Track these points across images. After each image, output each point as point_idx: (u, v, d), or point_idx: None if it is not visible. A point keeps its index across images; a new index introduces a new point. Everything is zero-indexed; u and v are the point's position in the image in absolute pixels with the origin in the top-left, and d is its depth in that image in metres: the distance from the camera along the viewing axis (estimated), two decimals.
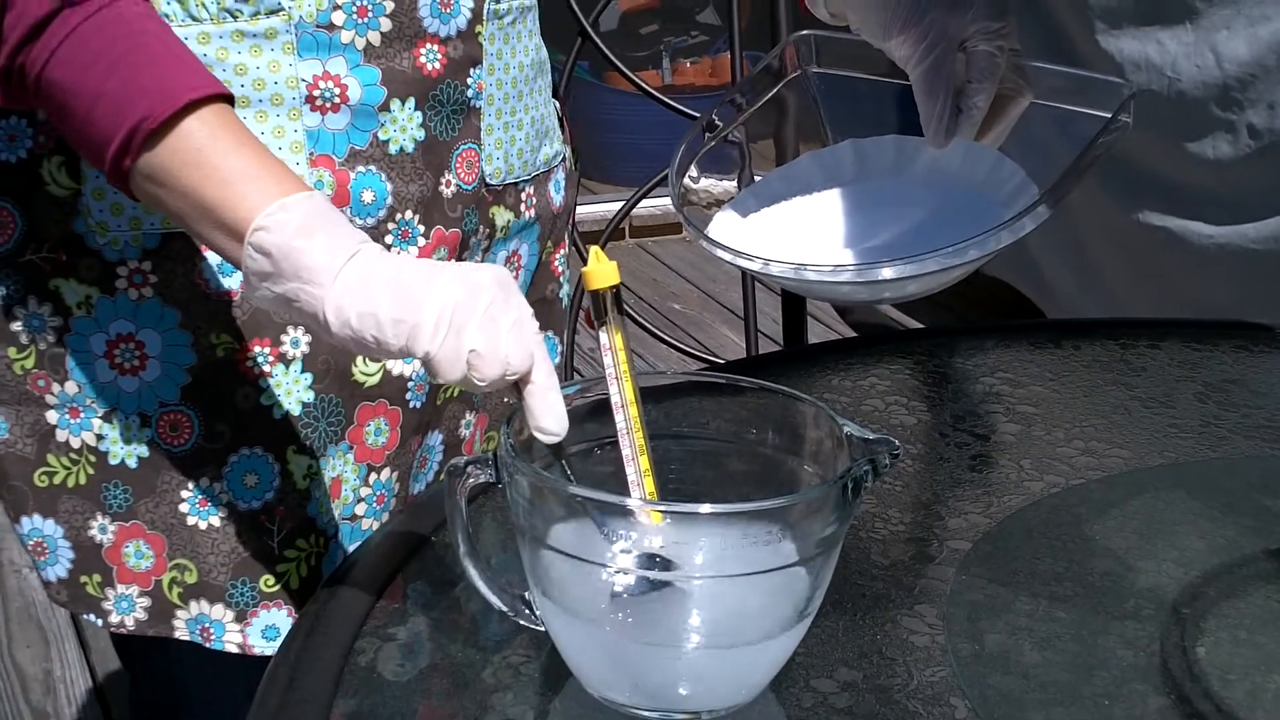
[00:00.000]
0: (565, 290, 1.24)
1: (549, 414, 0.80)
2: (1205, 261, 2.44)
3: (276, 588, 1.05)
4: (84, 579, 1.05)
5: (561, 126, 1.21)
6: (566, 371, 2.10)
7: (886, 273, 0.95)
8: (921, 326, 2.13)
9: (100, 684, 2.31)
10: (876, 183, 1.08)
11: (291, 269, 0.81)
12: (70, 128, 0.88)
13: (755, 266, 0.97)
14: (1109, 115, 0.97)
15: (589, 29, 1.99)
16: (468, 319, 0.79)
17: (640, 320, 2.28)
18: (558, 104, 1.21)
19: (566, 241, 1.24)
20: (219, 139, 0.84)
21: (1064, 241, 2.82)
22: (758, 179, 1.11)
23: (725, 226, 1.07)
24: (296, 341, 1.01)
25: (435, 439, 1.12)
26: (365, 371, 1.04)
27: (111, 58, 0.85)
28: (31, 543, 1.05)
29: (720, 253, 0.98)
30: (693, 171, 1.08)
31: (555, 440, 0.80)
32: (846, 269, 0.98)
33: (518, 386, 0.81)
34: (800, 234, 1.06)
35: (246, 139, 0.86)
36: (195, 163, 0.84)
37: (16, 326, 1.01)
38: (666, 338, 2.36)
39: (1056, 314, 2.81)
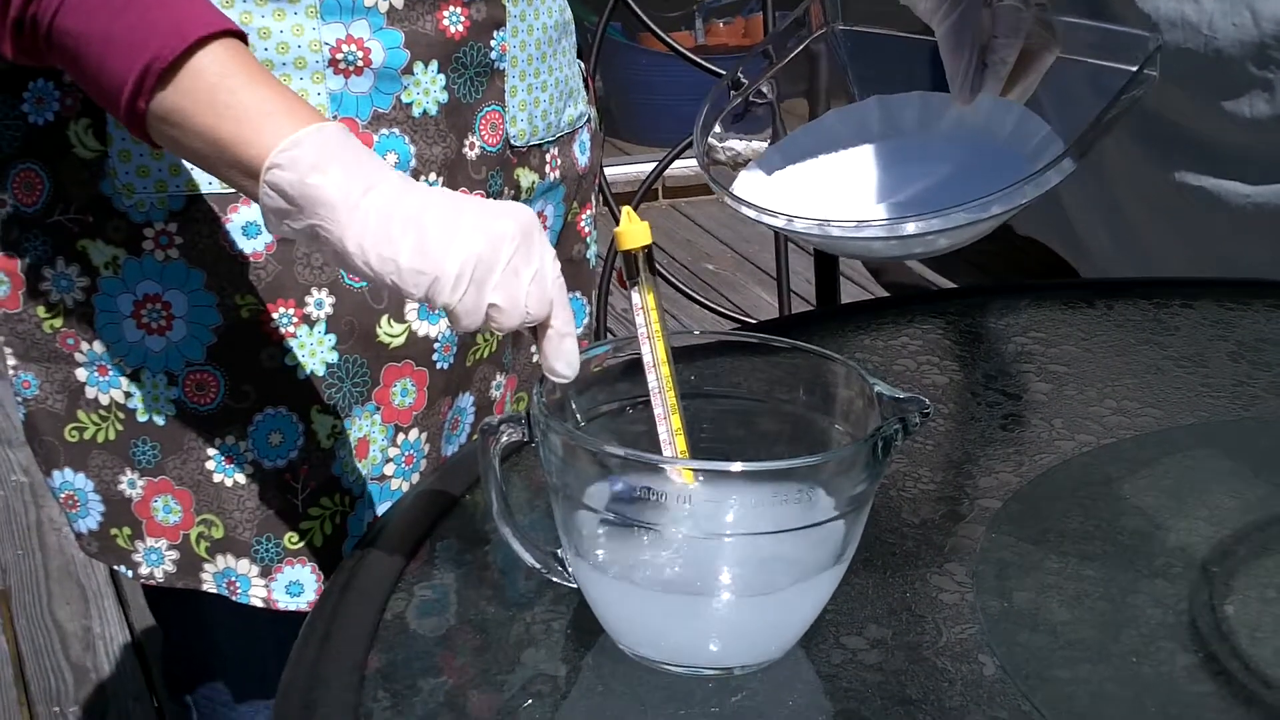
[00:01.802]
0: (593, 251, 1.24)
1: (561, 358, 0.81)
2: (1241, 220, 2.42)
3: (300, 545, 1.06)
4: (114, 531, 1.07)
5: (586, 88, 1.21)
6: (599, 331, 2.11)
7: (910, 227, 0.95)
8: (954, 286, 2.12)
9: (138, 640, 2.34)
10: (902, 139, 1.08)
11: (309, 205, 0.81)
12: (85, 77, 0.88)
13: (779, 223, 0.97)
14: (1135, 69, 0.97)
15: None
16: (489, 273, 0.79)
17: (673, 281, 2.29)
18: (582, 65, 1.21)
19: (593, 202, 1.24)
20: (231, 75, 0.84)
21: (1099, 201, 2.81)
22: (783, 137, 1.11)
23: (751, 184, 1.07)
24: (320, 303, 1.02)
25: (467, 401, 1.13)
26: (390, 333, 1.05)
27: (120, 1, 0.85)
28: (63, 495, 1.07)
29: (744, 210, 0.98)
30: (718, 130, 1.08)
31: (564, 382, 0.81)
32: (870, 224, 0.98)
33: (535, 330, 0.82)
34: (825, 191, 1.06)
35: (260, 74, 0.85)
36: (209, 101, 0.83)
37: (45, 286, 1.02)
38: (699, 298, 2.36)
39: (1091, 273, 2.80)
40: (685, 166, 2.93)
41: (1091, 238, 2.86)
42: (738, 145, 1.11)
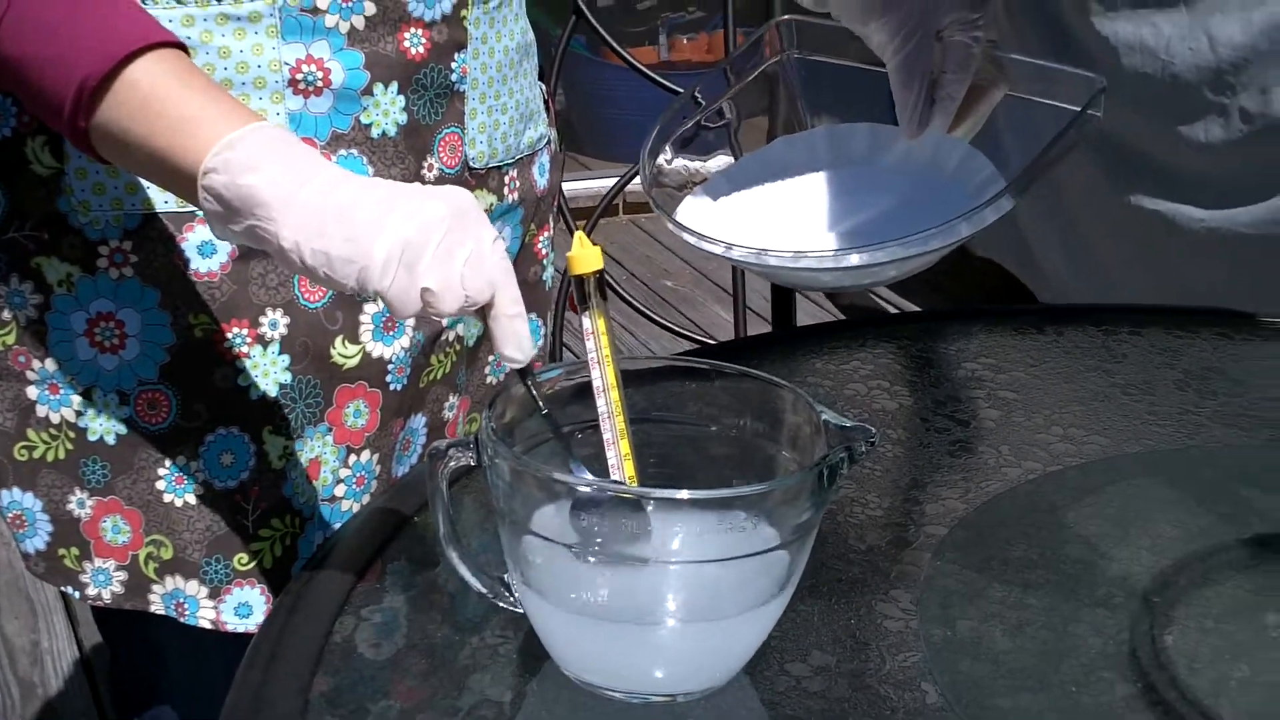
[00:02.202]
0: (549, 273, 1.24)
1: (510, 340, 0.81)
2: (1197, 245, 2.44)
3: (250, 566, 1.06)
4: (62, 552, 1.07)
5: (547, 109, 1.21)
6: (557, 349, 2.11)
7: (848, 260, 0.96)
8: (904, 310, 2.13)
9: (87, 656, 2.32)
10: (849, 169, 1.09)
11: (245, 206, 0.81)
12: (30, 98, 0.88)
13: (718, 250, 0.97)
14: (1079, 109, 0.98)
15: (581, 6, 1.99)
16: (419, 256, 0.79)
17: (631, 299, 2.29)
18: (544, 87, 1.21)
19: (551, 223, 1.24)
20: (163, 85, 0.84)
21: (1056, 223, 2.82)
22: (730, 163, 1.11)
23: (696, 209, 1.07)
24: (275, 323, 1.02)
25: (419, 421, 1.13)
26: (344, 354, 1.05)
27: (52, 22, 0.84)
28: (11, 515, 1.06)
29: (685, 235, 0.99)
30: (667, 153, 1.08)
31: (518, 365, 0.81)
32: (808, 255, 0.99)
33: (482, 313, 0.82)
34: (769, 218, 1.06)
35: (193, 81, 0.85)
36: (142, 113, 0.84)
37: None
38: (657, 316, 2.37)
39: (1048, 296, 2.81)
40: None
41: (1047, 260, 2.88)
42: (691, 166, 1.11)
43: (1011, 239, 3.05)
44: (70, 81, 0.84)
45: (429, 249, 0.79)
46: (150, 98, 0.84)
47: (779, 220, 1.06)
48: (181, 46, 0.87)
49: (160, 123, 0.83)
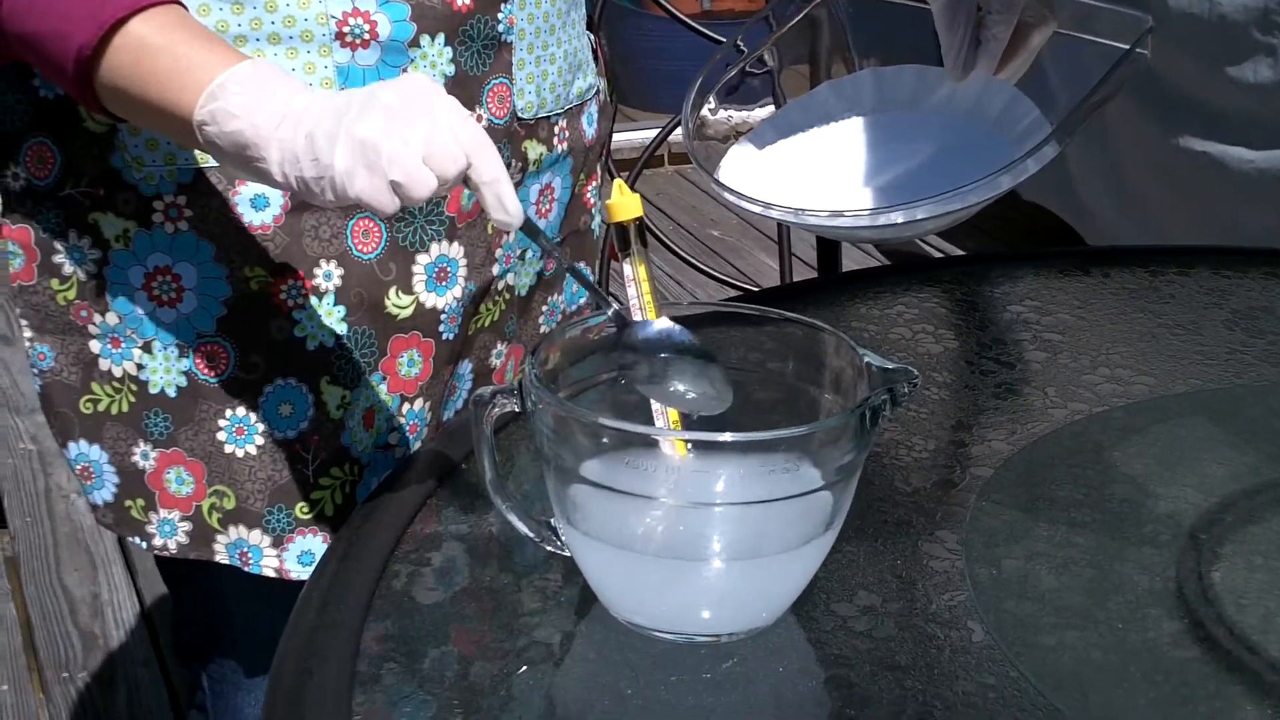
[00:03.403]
0: (598, 221, 1.25)
1: (496, 207, 0.83)
2: (1245, 185, 2.42)
3: (312, 515, 1.07)
4: (129, 503, 1.08)
5: (595, 59, 1.21)
6: (603, 299, 2.11)
7: (884, 218, 0.96)
8: (950, 255, 2.12)
9: (146, 607, 2.35)
10: (892, 115, 1.08)
11: (238, 151, 0.85)
12: (45, 73, 0.92)
13: (757, 209, 0.97)
14: (1126, 48, 0.97)
15: None
16: (377, 154, 0.81)
17: (677, 248, 2.29)
18: (592, 37, 1.21)
19: (599, 173, 1.24)
20: (150, 43, 0.87)
21: (1104, 167, 2.80)
22: (776, 110, 1.11)
23: (741, 159, 1.07)
24: (329, 275, 1.03)
25: (465, 368, 1.13)
26: (398, 304, 1.06)
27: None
28: (79, 467, 1.08)
29: (726, 195, 0.99)
30: (711, 103, 1.08)
31: (512, 228, 0.83)
32: (845, 214, 0.99)
33: (469, 184, 0.83)
34: (811, 168, 1.06)
35: (177, 34, 0.87)
36: (137, 73, 0.87)
37: (58, 259, 1.03)
38: (703, 265, 2.37)
39: (1095, 239, 2.80)
40: None
41: (1095, 203, 2.87)
42: (736, 116, 1.11)
43: (1059, 183, 3.03)
44: (68, 53, 0.87)
45: (383, 144, 0.81)
46: (141, 57, 0.87)
47: (821, 170, 1.05)
48: (177, 1, 0.89)
49: (153, 81, 0.87)
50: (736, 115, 1.10)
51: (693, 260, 2.32)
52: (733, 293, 2.36)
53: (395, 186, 0.82)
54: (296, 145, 0.83)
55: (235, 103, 0.84)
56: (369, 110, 0.82)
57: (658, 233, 2.23)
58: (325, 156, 0.82)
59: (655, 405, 0.83)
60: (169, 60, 0.86)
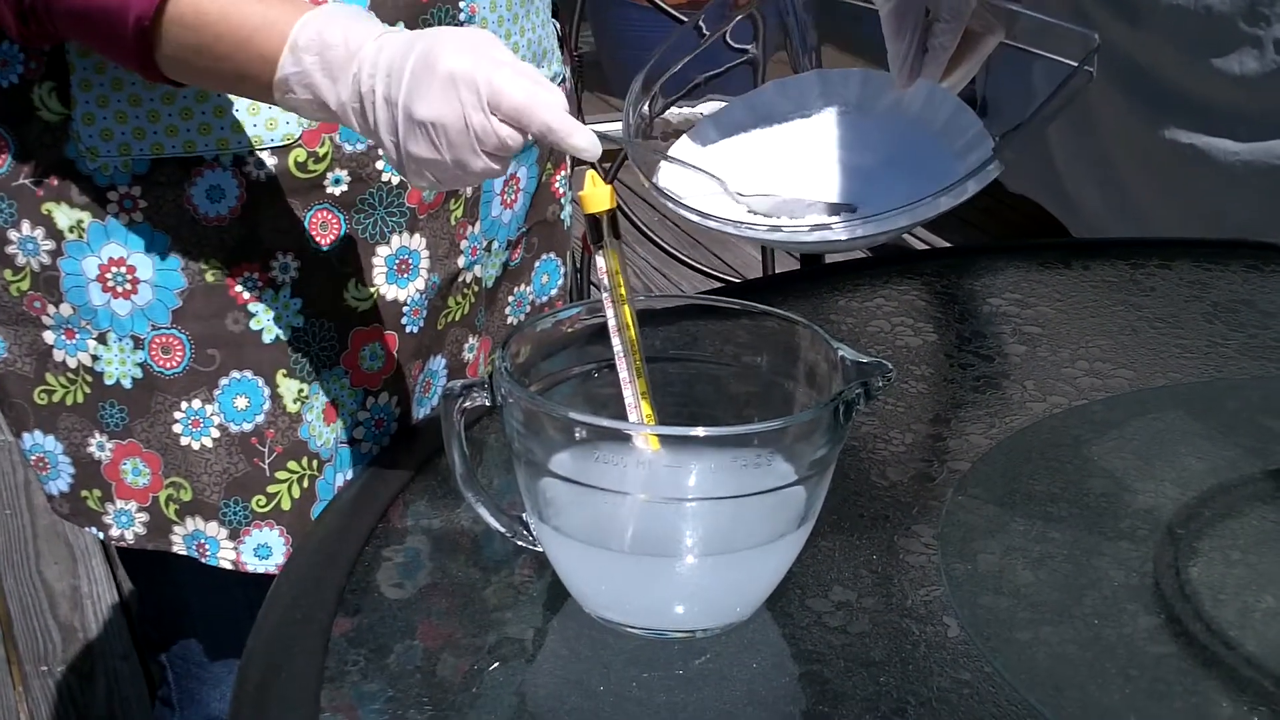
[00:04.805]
0: (567, 211, 1.24)
1: (571, 150, 0.84)
2: (1230, 177, 2.42)
3: (268, 508, 1.06)
4: (85, 494, 1.08)
5: (562, 47, 1.20)
6: (582, 288, 2.11)
7: (819, 235, 0.95)
8: (930, 247, 2.12)
9: (126, 600, 2.34)
10: (838, 119, 1.07)
11: (320, 110, 0.87)
12: (99, 47, 0.91)
13: (694, 218, 0.96)
14: (1074, 64, 0.95)
15: None
16: (447, 137, 0.83)
17: (661, 242, 2.28)
18: (557, 24, 1.20)
19: (568, 162, 1.23)
20: (207, 7, 0.87)
21: (1090, 158, 2.80)
22: (719, 106, 1.09)
23: (684, 153, 1.06)
24: (286, 267, 1.02)
25: (438, 363, 1.12)
26: (357, 297, 1.05)
27: None
28: (34, 458, 1.08)
29: (667, 201, 0.98)
30: (660, 101, 1.07)
31: (592, 158, 0.84)
32: (783, 229, 0.98)
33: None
34: (753, 172, 1.05)
35: None
36: (200, 39, 0.87)
37: (11, 249, 1.02)
38: (686, 257, 2.36)
39: (1081, 230, 2.79)
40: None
41: (1081, 195, 2.86)
42: (681, 112, 1.09)
43: (1045, 174, 3.03)
44: (126, 26, 0.87)
45: (449, 131, 0.83)
46: (202, 23, 0.87)
47: (761, 174, 1.04)
48: None
49: (220, 46, 0.87)
50: (682, 111, 1.09)
51: (676, 253, 2.31)
52: (718, 286, 2.35)
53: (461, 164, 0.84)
54: (377, 107, 0.85)
55: (318, 64, 0.85)
56: (436, 82, 0.83)
57: (641, 225, 2.22)
58: (397, 146, 0.85)
59: (628, 400, 0.82)
60: (232, 22, 0.87)
